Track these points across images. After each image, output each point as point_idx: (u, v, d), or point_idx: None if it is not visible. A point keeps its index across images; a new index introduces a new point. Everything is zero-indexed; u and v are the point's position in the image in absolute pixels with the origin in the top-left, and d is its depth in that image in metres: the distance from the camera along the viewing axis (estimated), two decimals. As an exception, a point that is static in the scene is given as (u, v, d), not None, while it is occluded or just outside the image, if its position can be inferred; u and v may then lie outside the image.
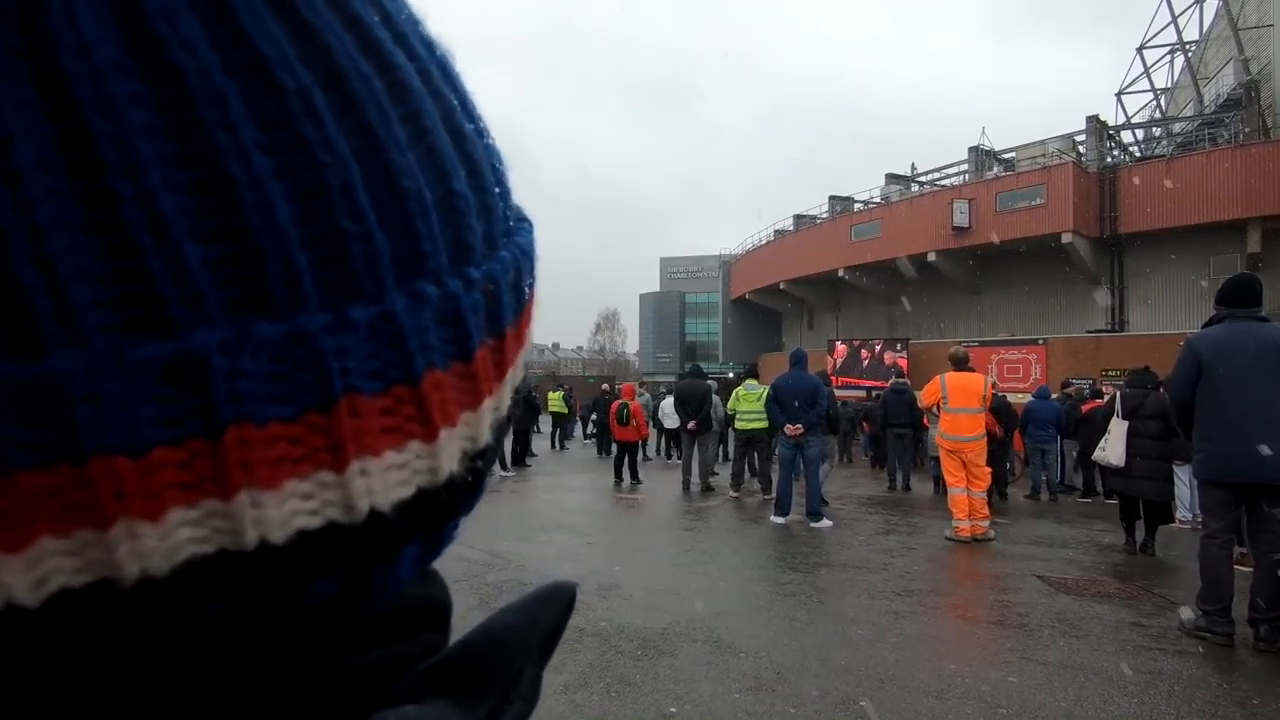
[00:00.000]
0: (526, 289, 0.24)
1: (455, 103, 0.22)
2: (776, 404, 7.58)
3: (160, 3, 0.15)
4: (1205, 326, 4.11)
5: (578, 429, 19.91)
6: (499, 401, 0.23)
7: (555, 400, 17.25)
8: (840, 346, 23.00)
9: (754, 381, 9.08)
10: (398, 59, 0.19)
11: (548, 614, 0.24)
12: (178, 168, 0.15)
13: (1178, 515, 7.31)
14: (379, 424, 0.19)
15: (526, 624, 0.23)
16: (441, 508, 0.21)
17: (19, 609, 0.15)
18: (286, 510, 0.17)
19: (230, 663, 0.18)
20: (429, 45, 0.21)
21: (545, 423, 17.72)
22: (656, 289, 53.84)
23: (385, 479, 0.19)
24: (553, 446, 16.86)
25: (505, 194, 0.24)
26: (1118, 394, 6.50)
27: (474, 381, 0.22)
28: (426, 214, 0.19)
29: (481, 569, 5.15)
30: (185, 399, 0.16)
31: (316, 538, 0.18)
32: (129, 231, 0.15)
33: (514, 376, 0.25)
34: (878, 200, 27.43)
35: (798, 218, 32.00)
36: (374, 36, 0.19)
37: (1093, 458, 6.93)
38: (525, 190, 0.27)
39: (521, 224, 0.25)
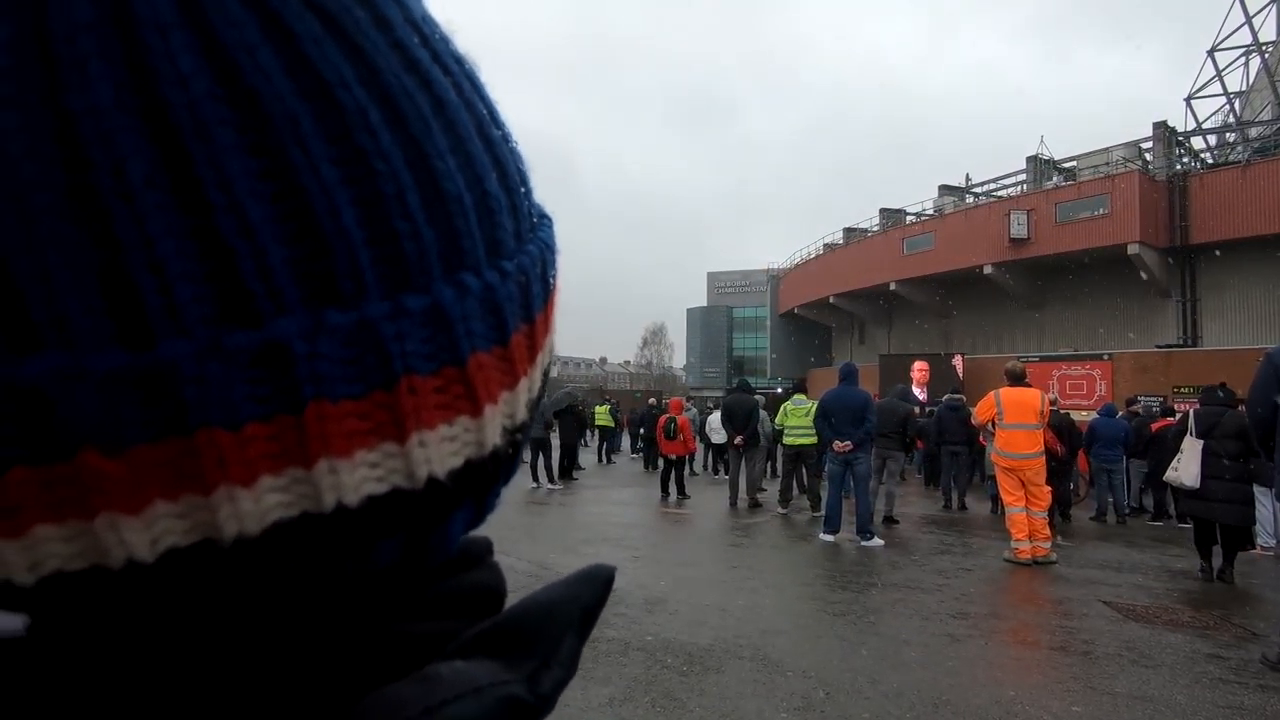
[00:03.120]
0: (551, 279, 0.27)
1: (484, 111, 0.24)
2: (825, 419, 7.47)
3: (241, 38, 0.18)
4: (1286, 340, 3.89)
5: (625, 442, 19.95)
6: (532, 382, 0.26)
7: (602, 414, 17.33)
8: (920, 363, 22.12)
9: (802, 396, 8.96)
10: (435, 74, 0.22)
11: (588, 591, 0.26)
12: (260, 180, 0.18)
13: (1259, 541, 6.88)
14: (433, 401, 0.21)
15: (568, 599, 0.25)
16: (487, 476, 0.24)
17: (139, 564, 0.18)
18: (358, 477, 0.20)
19: (300, 622, 0.21)
20: (459, 60, 0.24)
21: (592, 436, 17.83)
22: (704, 303, 53.80)
23: (440, 450, 0.21)
24: (599, 460, 16.91)
25: (529, 193, 0.26)
26: (1191, 412, 6.18)
27: (511, 363, 0.24)
28: (466, 213, 0.22)
29: (528, 580, 5.20)
30: (273, 380, 0.18)
31: (383, 502, 0.20)
32: (223, 237, 0.17)
33: (543, 359, 0.27)
34: (930, 212, 26.86)
35: (847, 231, 31.59)
36: (415, 56, 0.21)
37: (1164, 478, 6.58)
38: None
39: (543, 220, 0.28)
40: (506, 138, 0.25)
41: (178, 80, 0.17)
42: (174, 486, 0.18)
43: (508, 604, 0.28)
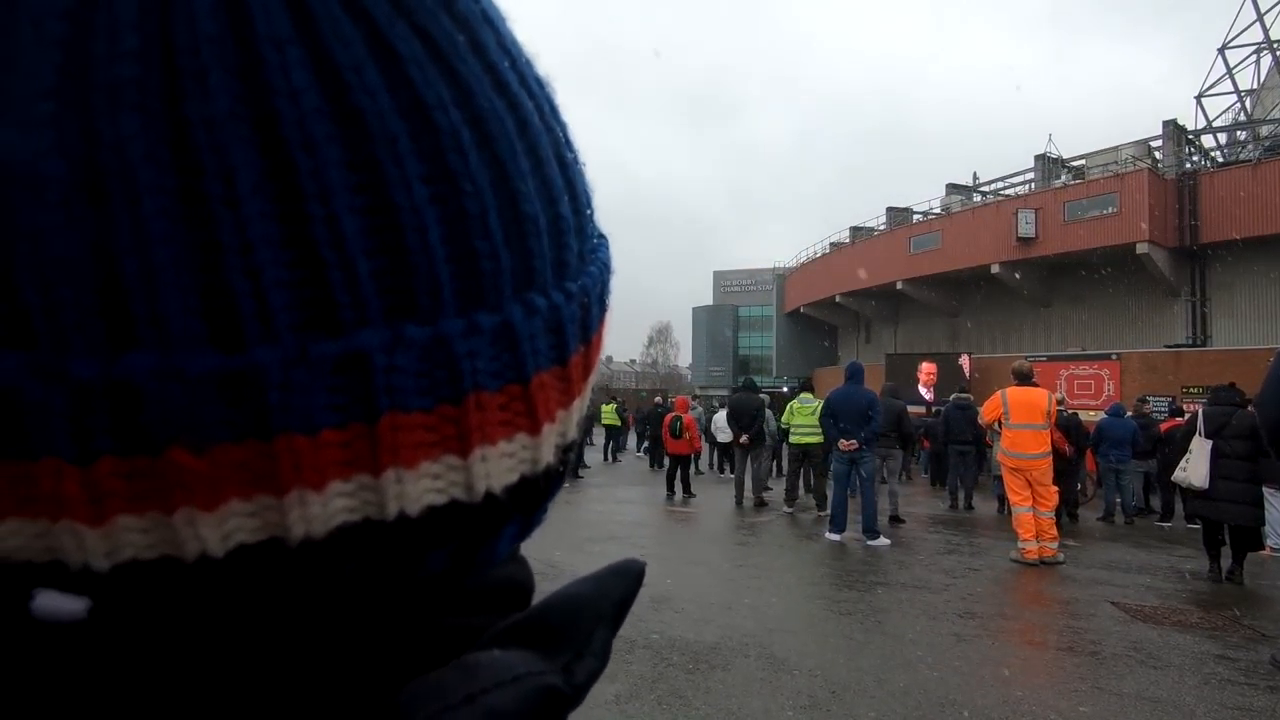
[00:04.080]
0: (607, 300, 0.28)
1: (561, 135, 0.24)
2: (831, 418, 7.46)
3: (350, 57, 0.18)
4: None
5: (631, 441, 19.95)
6: (584, 401, 0.27)
7: (608, 413, 17.34)
8: (927, 364, 22.09)
9: (809, 395, 8.94)
10: (522, 98, 0.22)
11: (619, 585, 0.27)
12: (356, 194, 0.18)
13: (1268, 542, 6.84)
14: (497, 417, 0.22)
15: (600, 593, 0.26)
16: (538, 492, 0.25)
17: (209, 558, 0.18)
18: (421, 487, 0.20)
19: (345, 615, 0.21)
20: (541, 84, 0.24)
21: (598, 435, 17.83)
22: (710, 302, 53.69)
23: (499, 465, 0.22)
24: (605, 459, 16.93)
25: (592, 214, 0.27)
26: (1200, 412, 6.14)
27: (568, 382, 0.24)
28: (540, 235, 0.22)
29: (536, 578, 5.20)
30: (351, 389, 0.19)
31: (441, 513, 0.21)
32: (316, 248, 0.18)
33: (593, 378, 0.28)
34: (937, 211, 26.75)
35: (854, 230, 31.49)
36: (504, 80, 0.22)
37: (1172, 478, 6.54)
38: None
39: (601, 240, 0.28)
40: (577, 159, 0.25)
41: (289, 94, 0.17)
42: (250, 486, 0.18)
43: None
